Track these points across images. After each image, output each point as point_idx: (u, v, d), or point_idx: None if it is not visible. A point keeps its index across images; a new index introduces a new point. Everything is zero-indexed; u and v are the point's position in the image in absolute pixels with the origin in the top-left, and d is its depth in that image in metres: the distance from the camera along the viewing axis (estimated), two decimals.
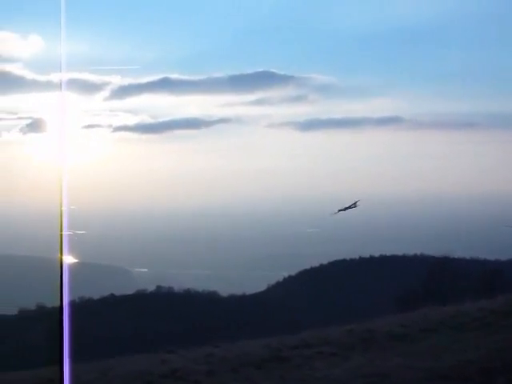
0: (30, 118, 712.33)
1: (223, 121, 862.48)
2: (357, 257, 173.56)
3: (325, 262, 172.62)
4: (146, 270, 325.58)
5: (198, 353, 30.37)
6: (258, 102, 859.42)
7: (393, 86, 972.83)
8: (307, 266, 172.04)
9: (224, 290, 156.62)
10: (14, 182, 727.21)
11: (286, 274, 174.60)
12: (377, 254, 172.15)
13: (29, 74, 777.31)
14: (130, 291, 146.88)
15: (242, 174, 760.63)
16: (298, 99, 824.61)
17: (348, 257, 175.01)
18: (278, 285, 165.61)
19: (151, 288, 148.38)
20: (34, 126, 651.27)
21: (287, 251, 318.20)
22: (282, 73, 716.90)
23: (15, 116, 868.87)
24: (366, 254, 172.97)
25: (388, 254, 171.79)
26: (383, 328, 32.70)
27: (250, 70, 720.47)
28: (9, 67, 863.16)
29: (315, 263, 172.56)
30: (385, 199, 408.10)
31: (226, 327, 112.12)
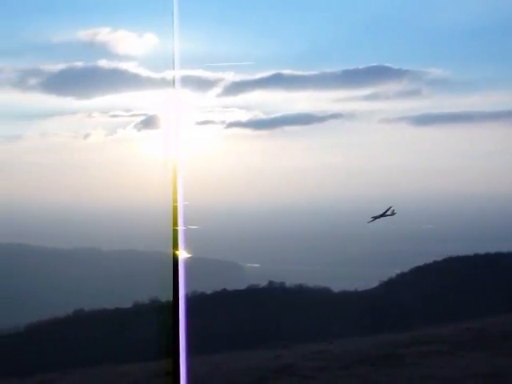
0: (144, 115, 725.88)
1: (335, 116, 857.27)
2: (471, 254, 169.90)
3: (439, 258, 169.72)
4: (257, 265, 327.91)
5: (311, 349, 30.30)
6: (371, 97, 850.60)
7: (509, 79, 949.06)
8: (420, 263, 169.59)
9: (336, 287, 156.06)
10: (129, 179, 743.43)
11: (398, 271, 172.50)
12: (492, 251, 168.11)
13: (143, 72, 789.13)
14: (242, 286, 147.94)
15: (353, 171, 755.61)
16: (411, 94, 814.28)
17: (463, 254, 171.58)
18: (391, 282, 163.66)
19: (263, 283, 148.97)
20: (149, 123, 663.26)
21: (401, 248, 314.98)
22: (396, 67, 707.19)
23: (130, 113, 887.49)
24: (482, 251, 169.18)
25: (504, 251, 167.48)
26: (497, 327, 31.90)
27: (363, 65, 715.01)
28: (124, 65, 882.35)
29: (429, 260, 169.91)
30: (501, 196, 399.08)
31: (338, 324, 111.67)
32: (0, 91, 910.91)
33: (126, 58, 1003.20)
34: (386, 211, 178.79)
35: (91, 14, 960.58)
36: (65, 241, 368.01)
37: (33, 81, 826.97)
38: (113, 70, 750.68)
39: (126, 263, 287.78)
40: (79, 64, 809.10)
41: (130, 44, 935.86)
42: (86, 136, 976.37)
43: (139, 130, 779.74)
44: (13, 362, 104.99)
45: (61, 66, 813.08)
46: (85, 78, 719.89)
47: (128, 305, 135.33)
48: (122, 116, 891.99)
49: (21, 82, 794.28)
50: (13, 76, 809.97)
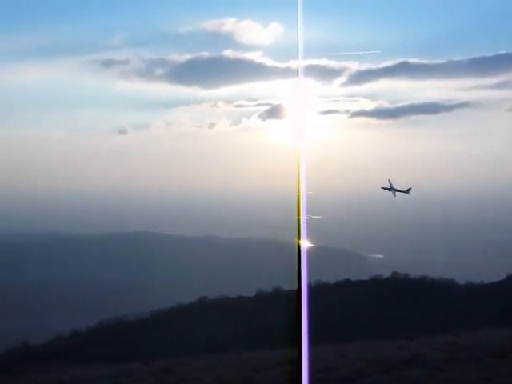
0: (269, 104, 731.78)
1: (463, 105, 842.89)
2: None
3: None
4: (381, 255, 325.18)
5: (438, 340, 29.77)
6: (500, 86, 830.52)
7: None
8: None
9: (461, 278, 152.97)
10: (254, 168, 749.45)
11: None
12: None
13: (268, 62, 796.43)
14: (365, 277, 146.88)
15: (481, 160, 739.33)
16: None
17: None
18: None
19: (387, 274, 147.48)
20: (273, 112, 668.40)
21: None
22: None
23: (255, 103, 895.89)
24: None
25: None
26: None
27: (491, 53, 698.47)
28: (250, 55, 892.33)
29: None
30: None
31: (464, 316, 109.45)
32: (127, 81, 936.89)
33: (251, 47, 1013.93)
34: (406, 190, 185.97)
35: (217, 4, 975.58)
36: (190, 228, 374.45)
37: (159, 71, 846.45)
38: (238, 60, 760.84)
39: (249, 252, 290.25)
40: (205, 54, 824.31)
41: (255, 34, 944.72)
42: (211, 125, 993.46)
43: (264, 120, 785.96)
44: (140, 347, 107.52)
45: (187, 57, 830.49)
46: (210, 68, 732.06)
47: (251, 293, 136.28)
48: (247, 106, 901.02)
49: (148, 72, 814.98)
50: (140, 66, 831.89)
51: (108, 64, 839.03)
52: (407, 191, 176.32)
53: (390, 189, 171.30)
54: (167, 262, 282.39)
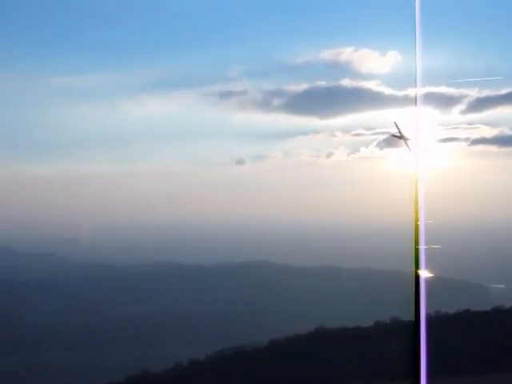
0: (386, 133, 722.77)
1: None
2: None
3: None
4: (502, 285, 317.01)
5: None
6: None
7: None
8: None
9: None
10: (372, 197, 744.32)
11: None
12: None
13: (386, 90, 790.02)
14: (486, 307, 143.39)
15: None
16: None
17: None
18: None
19: (509, 304, 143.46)
20: (391, 141, 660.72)
21: None
22: None
23: (372, 131, 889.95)
24: None
25: None
26: None
27: None
28: (367, 84, 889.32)
29: None
30: None
31: None
32: (245, 112, 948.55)
33: (369, 76, 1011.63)
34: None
35: (335, 34, 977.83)
36: (308, 258, 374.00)
37: (277, 101, 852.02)
38: (355, 89, 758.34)
39: (367, 281, 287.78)
40: (322, 84, 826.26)
41: (372, 62, 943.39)
42: (329, 155, 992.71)
43: (382, 149, 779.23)
44: (258, 376, 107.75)
45: (304, 87, 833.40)
46: (328, 97, 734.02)
47: (369, 323, 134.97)
48: (365, 134, 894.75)
49: (265, 102, 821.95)
50: (258, 97, 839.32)
51: (226, 95, 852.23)
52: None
53: (401, 136, 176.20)
54: (285, 291, 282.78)
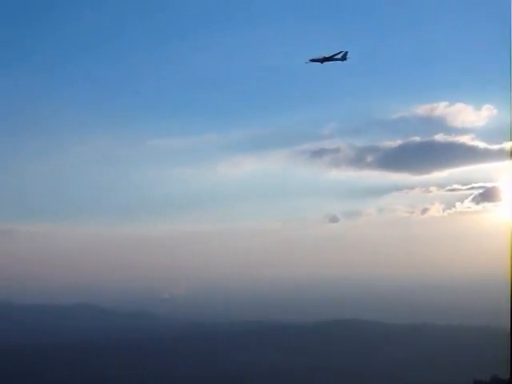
0: (482, 187, 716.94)
1: None
2: None
3: None
4: None
5: None
6: None
7: None
8: None
9: None
10: (467, 251, 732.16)
11: None
12: None
13: (480, 144, 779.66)
14: None
15: None
16: None
17: None
18: None
19: None
20: (487, 195, 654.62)
21: None
22: None
23: (468, 186, 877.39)
24: None
25: None
26: None
27: None
28: (462, 138, 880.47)
29: None
30: None
31: None
32: (338, 169, 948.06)
33: (463, 130, 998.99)
34: (335, 54, 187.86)
35: (429, 89, 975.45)
36: (397, 314, 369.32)
37: (370, 158, 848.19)
38: (449, 144, 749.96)
39: (460, 338, 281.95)
40: (416, 139, 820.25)
41: (466, 116, 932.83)
42: (424, 211, 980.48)
43: (478, 203, 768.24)
44: None
45: (398, 142, 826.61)
46: (421, 152, 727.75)
47: (468, 382, 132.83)
48: (460, 189, 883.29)
49: (358, 159, 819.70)
50: (351, 154, 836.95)
51: (319, 153, 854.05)
52: (342, 57, 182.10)
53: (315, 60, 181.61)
54: (378, 349, 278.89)
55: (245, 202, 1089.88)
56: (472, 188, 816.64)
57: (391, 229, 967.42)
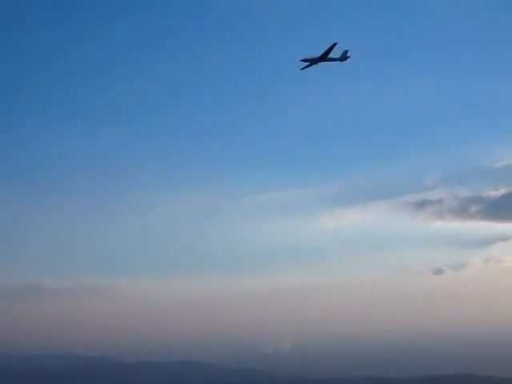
0: None
1: None
2: None
3: None
4: None
5: None
6: None
7: None
8: None
9: None
10: None
11: None
12: None
13: None
14: None
15: None
16: None
17: None
18: None
19: None
20: None
21: None
22: None
23: None
24: None
25: None
26: None
27: None
28: None
29: None
30: None
31: None
32: (441, 220, 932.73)
33: None
34: (329, 49, 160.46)
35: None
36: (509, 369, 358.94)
37: (474, 208, 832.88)
38: None
39: None
40: None
41: None
42: None
43: None
44: None
45: (502, 191, 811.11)
46: None
47: None
48: None
49: (462, 209, 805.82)
50: (454, 204, 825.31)
51: (422, 204, 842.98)
52: (342, 57, 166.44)
53: (307, 60, 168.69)
54: None
55: (346, 255, 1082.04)
56: None
57: (499, 280, 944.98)
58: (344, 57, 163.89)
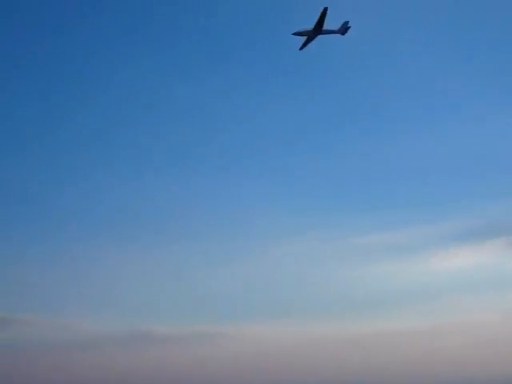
0: None
1: None
2: None
3: None
4: None
5: None
6: None
7: None
8: None
9: None
10: None
11: None
12: None
13: None
14: None
15: None
16: None
17: None
18: None
19: None
20: None
21: None
22: None
23: None
24: None
25: None
26: None
27: None
28: None
29: None
30: None
31: None
32: None
33: None
34: (321, 17, 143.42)
35: None
36: None
37: None
38: None
39: None
40: None
41: None
42: None
43: None
44: None
45: None
46: None
47: None
48: None
49: None
50: None
51: None
52: (341, 30, 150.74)
53: (301, 33, 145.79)
54: None
55: (460, 296, 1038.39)
56: None
57: None
58: (345, 30, 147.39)
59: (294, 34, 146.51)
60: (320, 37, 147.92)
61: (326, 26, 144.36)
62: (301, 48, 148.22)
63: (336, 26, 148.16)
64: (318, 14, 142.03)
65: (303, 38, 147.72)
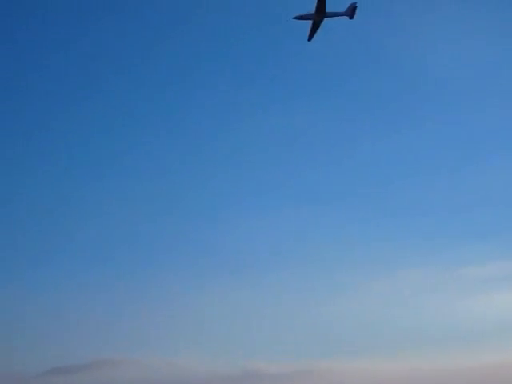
0: None
1: None
2: None
3: None
4: None
5: None
6: None
7: None
8: None
9: None
10: None
11: None
12: None
13: None
14: None
15: None
16: None
17: None
18: None
19: None
20: None
21: None
22: None
23: None
24: None
25: None
26: None
27: None
28: None
29: None
30: None
31: None
32: None
33: None
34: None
35: None
36: None
37: None
38: None
39: None
40: None
41: None
42: None
43: None
44: None
45: None
46: None
47: None
48: None
49: None
50: None
51: None
52: (348, 12, 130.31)
53: (302, 17, 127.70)
54: None
55: None
56: None
57: None
58: (352, 9, 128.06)
59: (294, 19, 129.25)
60: (326, 22, 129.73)
61: (330, 8, 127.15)
62: (309, 39, 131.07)
63: (343, 8, 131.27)
64: None
65: (308, 25, 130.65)
